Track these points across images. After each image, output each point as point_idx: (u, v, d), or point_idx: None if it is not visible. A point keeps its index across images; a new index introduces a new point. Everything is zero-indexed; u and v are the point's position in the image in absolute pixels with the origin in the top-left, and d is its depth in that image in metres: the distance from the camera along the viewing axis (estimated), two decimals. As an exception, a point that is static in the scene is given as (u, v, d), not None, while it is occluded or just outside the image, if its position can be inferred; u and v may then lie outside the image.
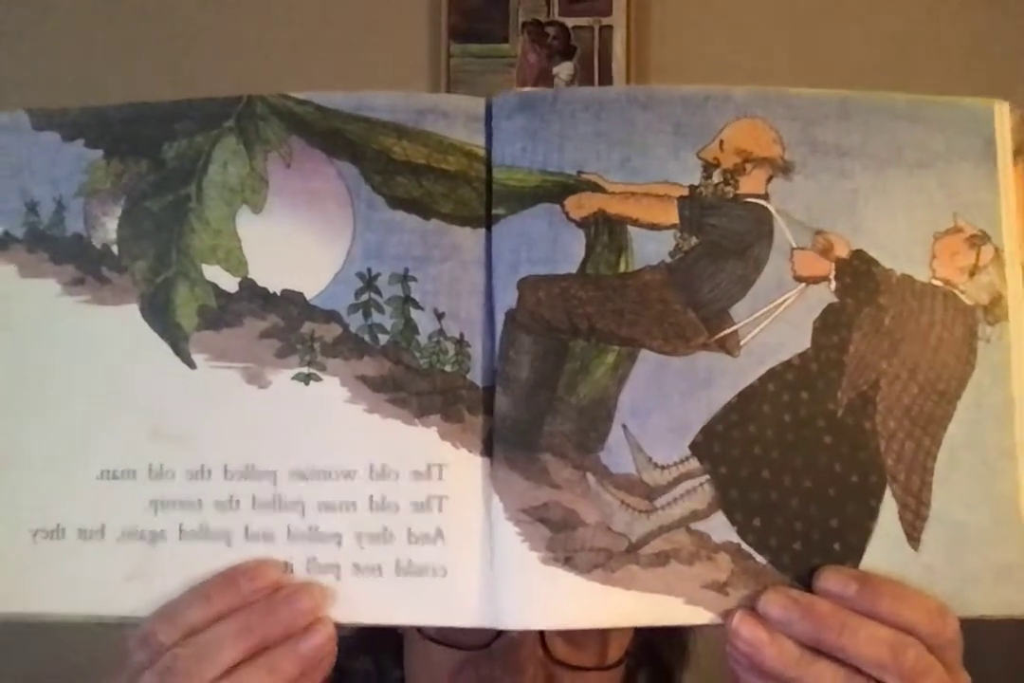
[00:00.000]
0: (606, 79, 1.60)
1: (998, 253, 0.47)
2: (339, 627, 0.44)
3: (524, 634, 0.59)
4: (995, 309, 0.47)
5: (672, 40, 1.63)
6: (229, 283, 0.47)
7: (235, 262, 0.47)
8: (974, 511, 0.45)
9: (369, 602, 0.44)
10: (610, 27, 1.60)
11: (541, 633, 0.60)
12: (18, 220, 0.49)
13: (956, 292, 0.47)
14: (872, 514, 0.45)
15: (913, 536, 0.45)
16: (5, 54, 1.65)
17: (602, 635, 0.63)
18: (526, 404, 0.44)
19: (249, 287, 0.46)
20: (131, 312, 0.47)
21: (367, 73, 1.59)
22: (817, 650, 0.42)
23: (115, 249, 0.48)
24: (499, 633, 0.59)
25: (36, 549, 0.46)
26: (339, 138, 0.46)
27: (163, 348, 0.47)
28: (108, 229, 0.48)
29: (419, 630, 0.62)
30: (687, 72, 1.62)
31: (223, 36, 1.67)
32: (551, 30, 1.60)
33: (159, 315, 0.47)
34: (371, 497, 0.44)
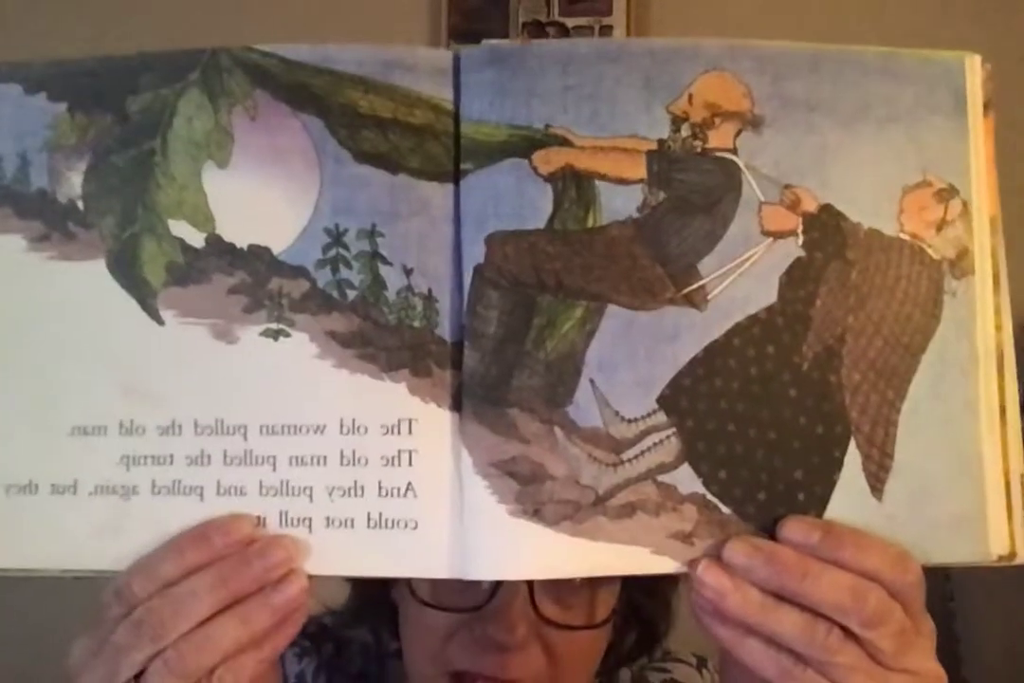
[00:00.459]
0: None
1: (966, 207, 0.48)
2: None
3: (515, 595, 0.61)
4: (961, 263, 0.48)
5: None
6: (196, 239, 0.47)
7: (201, 218, 0.47)
8: (936, 462, 0.46)
9: (341, 554, 0.45)
10: (610, 27, 1.61)
11: (531, 594, 0.61)
12: None
13: (923, 246, 0.47)
14: (836, 465, 0.46)
15: (876, 487, 0.46)
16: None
17: (590, 595, 0.64)
18: (494, 359, 0.45)
19: (216, 243, 0.46)
20: (98, 268, 0.47)
21: None
22: (780, 597, 0.43)
23: (80, 204, 0.48)
24: (491, 595, 0.61)
25: (9, 504, 0.47)
26: (304, 91, 0.46)
27: (131, 304, 0.47)
28: (73, 184, 0.48)
29: (412, 594, 0.63)
30: None
31: (221, 33, 1.68)
32: (551, 30, 1.61)
33: (126, 271, 0.47)
34: (341, 451, 0.45)
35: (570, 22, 1.63)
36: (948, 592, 1.05)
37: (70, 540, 0.46)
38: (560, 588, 0.63)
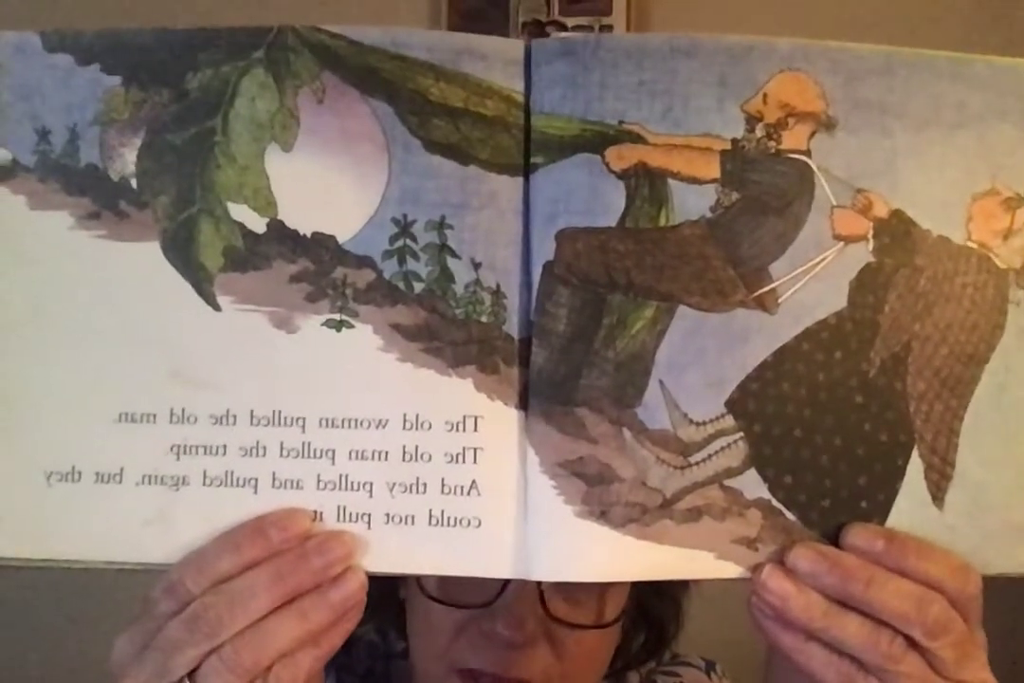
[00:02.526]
0: None
1: (1033, 216, 0.49)
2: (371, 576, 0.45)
3: (524, 592, 0.62)
4: (1026, 273, 0.49)
5: None
6: (257, 223, 0.47)
7: (263, 202, 0.47)
8: (996, 472, 0.48)
9: (401, 551, 0.45)
10: (610, 27, 1.64)
11: (540, 591, 0.62)
12: (28, 147, 0.48)
13: (990, 255, 0.48)
14: (899, 473, 0.47)
15: (938, 496, 0.47)
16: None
17: (599, 594, 0.66)
18: (563, 357, 0.45)
19: (278, 228, 0.47)
20: (151, 250, 0.47)
21: None
22: (843, 604, 0.44)
23: (134, 182, 0.48)
24: (500, 592, 0.62)
25: (51, 492, 0.47)
26: (374, 76, 0.47)
27: (186, 288, 0.47)
28: (126, 161, 0.48)
29: (421, 589, 0.64)
30: None
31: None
32: (551, 30, 1.64)
33: (182, 254, 0.47)
34: (404, 447, 0.46)
35: (570, 22, 1.65)
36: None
37: (116, 531, 0.47)
38: (570, 586, 0.64)
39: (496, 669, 0.63)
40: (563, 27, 1.65)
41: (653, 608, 0.77)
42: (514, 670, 0.62)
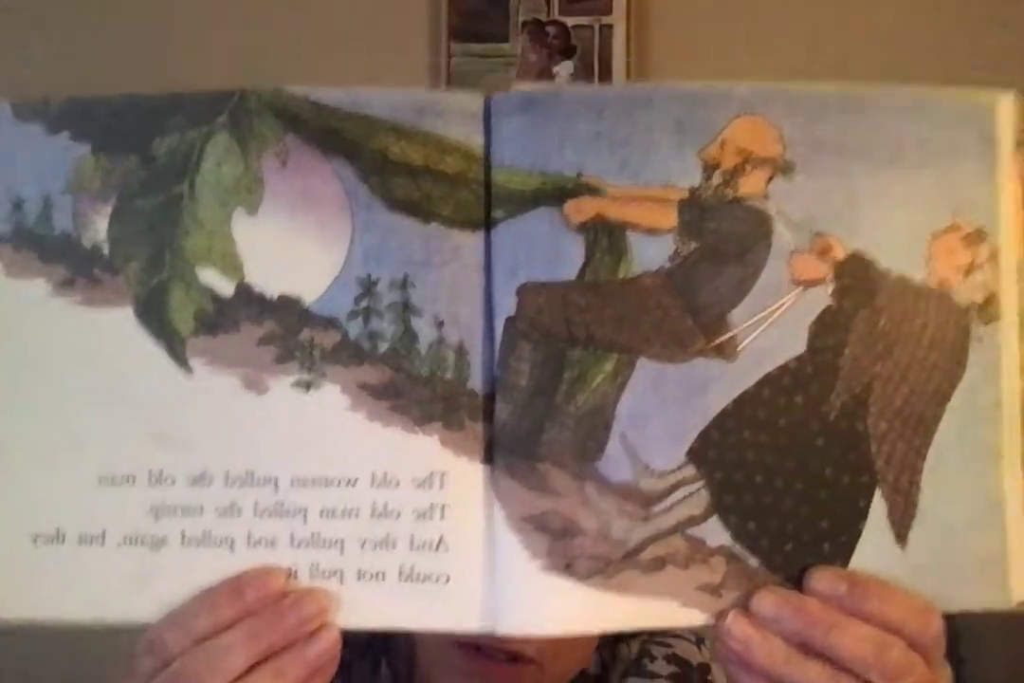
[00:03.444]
0: (606, 78, 1.68)
1: (994, 251, 0.50)
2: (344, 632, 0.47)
3: None
4: (989, 308, 0.50)
5: (672, 39, 1.70)
6: (225, 287, 0.49)
7: (231, 265, 0.49)
8: (959, 509, 0.49)
9: (373, 607, 0.48)
10: (610, 26, 1.66)
11: None
12: (3, 217, 0.50)
13: (951, 292, 0.49)
14: (862, 514, 0.48)
15: (901, 535, 0.49)
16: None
17: None
18: (525, 412, 0.47)
19: (246, 292, 0.48)
20: (125, 314, 0.49)
21: (367, 73, 1.68)
22: (805, 649, 0.46)
23: (106, 249, 0.49)
24: None
25: (36, 554, 0.49)
26: (336, 136, 0.48)
27: (160, 352, 0.49)
28: (98, 228, 0.50)
29: None
30: (687, 71, 1.70)
31: (222, 33, 1.73)
32: (551, 29, 1.66)
33: (154, 319, 0.49)
34: (373, 504, 0.48)
35: (570, 21, 1.67)
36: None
37: (99, 590, 0.49)
38: None
39: (492, 640, 0.64)
40: (563, 27, 1.66)
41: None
42: (511, 643, 0.64)
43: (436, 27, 1.71)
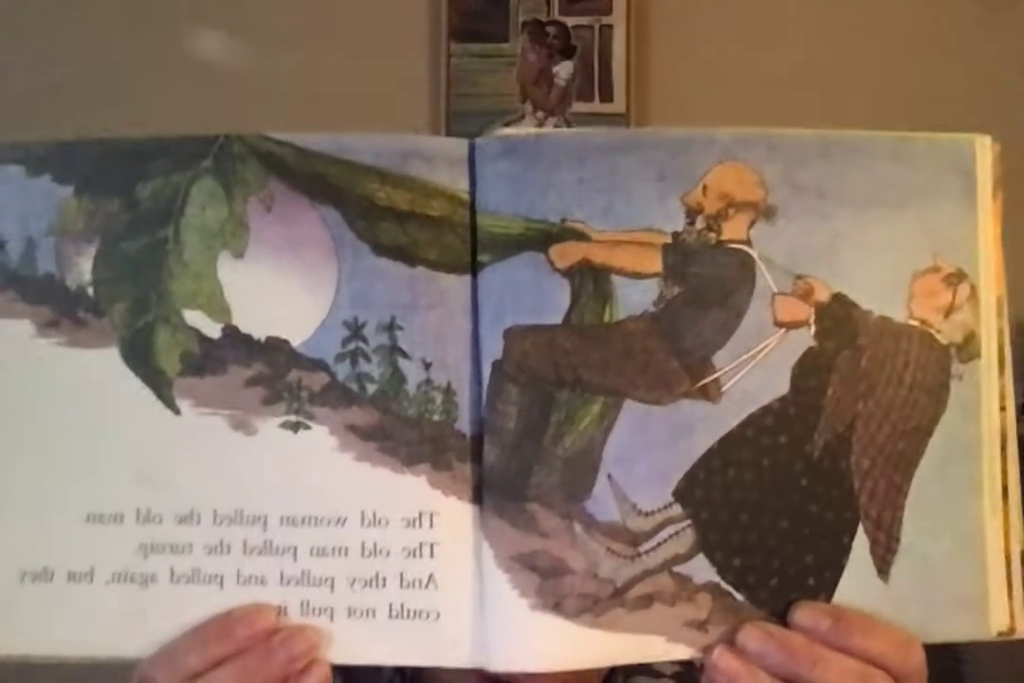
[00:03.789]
0: (606, 78, 1.68)
1: (974, 291, 0.51)
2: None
3: None
4: (968, 347, 0.51)
5: (672, 40, 1.71)
6: (211, 329, 0.49)
7: (217, 308, 0.49)
8: (940, 543, 0.50)
9: (363, 643, 0.48)
10: (610, 26, 1.67)
11: None
12: None
13: (932, 332, 0.51)
14: (845, 550, 0.50)
15: (883, 569, 0.50)
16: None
17: None
18: (513, 454, 0.48)
19: (232, 334, 0.49)
20: (111, 356, 0.50)
21: (367, 73, 1.70)
22: (790, 682, 0.47)
23: (91, 291, 0.50)
24: None
25: (24, 591, 0.50)
26: (322, 182, 0.49)
27: (146, 393, 0.49)
28: (82, 270, 0.50)
29: None
30: (687, 71, 1.73)
31: (224, 35, 1.77)
32: (551, 29, 1.67)
33: (140, 360, 0.49)
34: (363, 543, 0.48)
35: (570, 21, 1.68)
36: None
37: (89, 627, 0.49)
38: None
39: None
40: (563, 27, 1.67)
41: None
42: None
43: (436, 27, 1.72)
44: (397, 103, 1.70)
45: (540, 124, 1.66)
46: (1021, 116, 1.40)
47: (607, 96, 1.69)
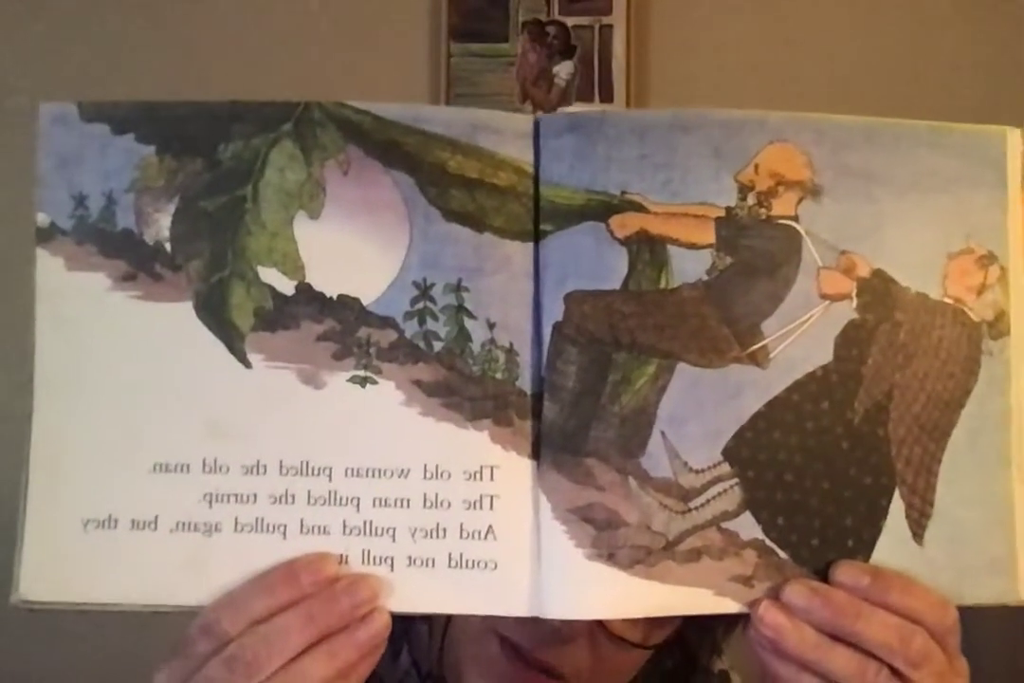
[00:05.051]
0: (606, 78, 1.73)
1: (1004, 272, 0.56)
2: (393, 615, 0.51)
3: None
4: (999, 325, 0.55)
5: (672, 40, 1.75)
6: (286, 286, 0.53)
7: (292, 265, 0.53)
8: (971, 510, 0.54)
9: (422, 592, 0.51)
10: (610, 26, 1.71)
11: None
12: (65, 212, 0.54)
13: (964, 309, 0.55)
14: (882, 513, 0.53)
15: (918, 533, 0.53)
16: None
17: (653, 618, 0.70)
18: (572, 411, 0.52)
19: (306, 291, 0.52)
20: (185, 310, 0.53)
21: (368, 73, 1.74)
22: (833, 637, 0.50)
23: (168, 246, 0.53)
24: None
25: (87, 539, 0.52)
26: (396, 149, 0.53)
27: (218, 347, 0.53)
28: (161, 226, 0.53)
29: None
30: (687, 71, 1.77)
31: (224, 33, 1.79)
32: (551, 29, 1.71)
33: (214, 314, 0.53)
34: (425, 495, 0.51)
35: (570, 21, 1.72)
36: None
37: (151, 575, 0.52)
38: None
39: (534, 649, 0.66)
40: (563, 26, 1.71)
41: (688, 638, 0.82)
42: (550, 657, 0.66)
43: (436, 27, 1.76)
44: (397, 103, 1.74)
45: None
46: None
47: (607, 96, 1.73)
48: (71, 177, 0.54)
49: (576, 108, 0.54)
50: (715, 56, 1.75)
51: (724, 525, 0.52)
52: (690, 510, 0.52)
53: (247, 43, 1.76)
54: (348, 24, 1.75)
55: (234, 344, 0.53)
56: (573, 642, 0.66)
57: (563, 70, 1.72)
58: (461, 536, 0.51)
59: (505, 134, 0.53)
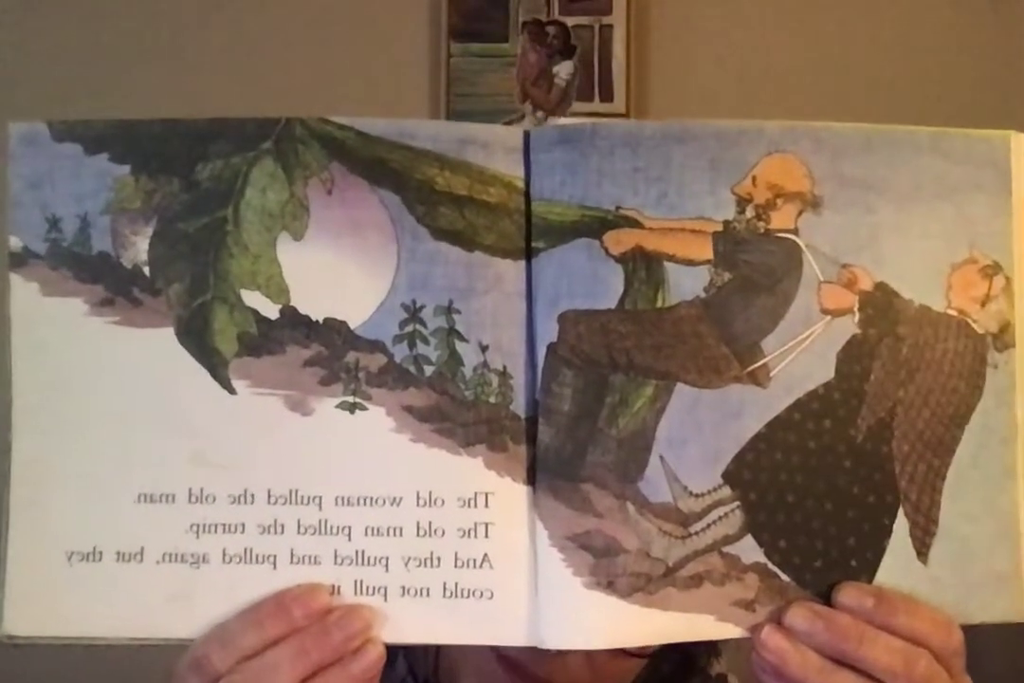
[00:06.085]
0: (606, 78, 1.73)
1: (1008, 282, 0.55)
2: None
3: None
4: (1003, 336, 0.55)
5: (672, 40, 1.76)
6: (270, 310, 0.52)
7: (276, 289, 0.52)
8: (977, 526, 0.54)
9: (417, 623, 0.51)
10: (610, 26, 1.72)
11: None
12: (39, 235, 0.53)
13: (969, 321, 0.55)
14: (886, 532, 0.53)
15: (922, 551, 0.53)
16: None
17: None
18: (568, 435, 0.51)
19: (291, 314, 0.52)
20: (166, 335, 0.52)
21: (368, 73, 1.75)
22: (836, 661, 0.50)
23: (146, 270, 0.52)
24: None
25: (71, 572, 0.52)
26: (382, 166, 0.52)
27: (201, 373, 0.52)
28: (139, 249, 0.53)
29: None
30: (687, 71, 1.77)
31: (224, 35, 1.79)
32: (551, 29, 1.72)
33: (197, 340, 0.52)
34: (418, 523, 0.51)
35: (570, 21, 1.73)
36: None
37: (137, 608, 0.52)
38: None
39: (530, 664, 0.66)
40: (563, 26, 1.71)
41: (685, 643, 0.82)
42: (547, 670, 0.66)
43: (436, 27, 1.76)
44: (397, 103, 1.74)
45: (540, 124, 1.70)
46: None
47: (607, 96, 1.73)
48: (43, 199, 0.53)
49: (568, 120, 0.53)
50: (715, 56, 1.75)
51: (725, 549, 0.52)
52: (690, 535, 0.52)
53: (246, 43, 1.76)
54: (348, 24, 1.76)
55: (218, 370, 0.52)
56: (570, 654, 0.66)
57: (563, 70, 1.73)
58: (456, 565, 0.51)
59: (494, 148, 0.52)
